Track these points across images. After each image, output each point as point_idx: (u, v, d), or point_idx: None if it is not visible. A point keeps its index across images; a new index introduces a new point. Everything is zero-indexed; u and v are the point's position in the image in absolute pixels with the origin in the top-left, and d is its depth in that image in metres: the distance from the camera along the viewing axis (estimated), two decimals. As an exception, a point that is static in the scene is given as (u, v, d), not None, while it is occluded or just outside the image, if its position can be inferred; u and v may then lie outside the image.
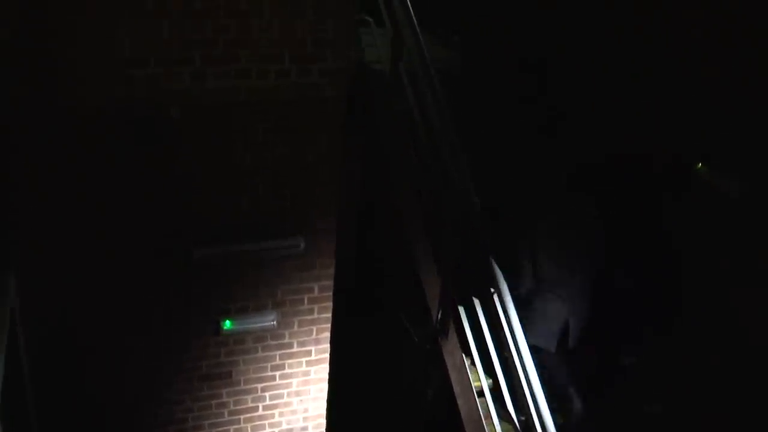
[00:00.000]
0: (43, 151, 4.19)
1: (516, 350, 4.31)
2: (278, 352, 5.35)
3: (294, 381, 5.51)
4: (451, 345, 5.06)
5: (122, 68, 4.15)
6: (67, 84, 4.09)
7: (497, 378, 4.68)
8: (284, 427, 5.68)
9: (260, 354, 5.32)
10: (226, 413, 5.44)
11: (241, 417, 5.51)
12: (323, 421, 5.81)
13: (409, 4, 5.46)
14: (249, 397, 5.45)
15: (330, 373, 5.60)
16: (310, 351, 5.43)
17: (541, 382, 4.19)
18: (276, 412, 5.60)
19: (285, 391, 5.53)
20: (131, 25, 4.08)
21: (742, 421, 4.91)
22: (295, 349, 5.38)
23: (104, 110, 4.20)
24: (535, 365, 4.23)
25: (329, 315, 5.35)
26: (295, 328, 5.29)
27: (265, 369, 5.39)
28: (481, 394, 4.84)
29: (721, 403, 5.00)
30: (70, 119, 4.15)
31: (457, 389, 5.06)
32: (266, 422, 5.61)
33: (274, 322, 5.15)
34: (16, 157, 4.16)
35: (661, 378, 5.21)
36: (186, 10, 4.13)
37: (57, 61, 4.03)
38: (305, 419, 5.71)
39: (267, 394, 5.49)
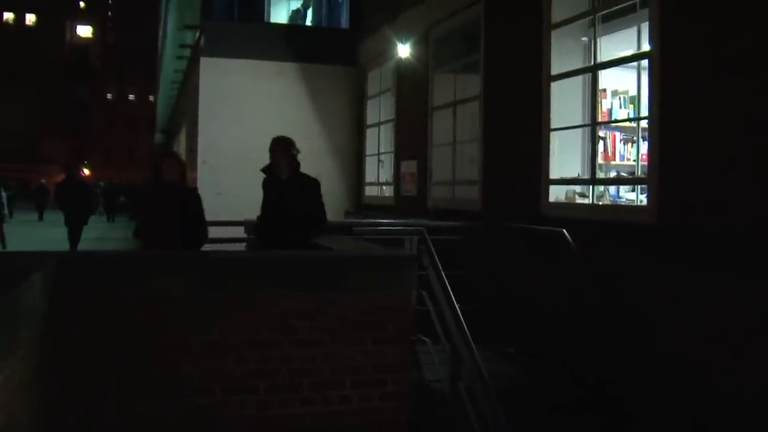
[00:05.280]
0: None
1: None
2: None
3: None
4: None
5: (188, 398, 4.30)
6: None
7: None
8: None
9: None
10: None
11: None
12: None
13: (464, 324, 5.65)
14: None
15: None
16: None
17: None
18: None
19: None
20: (196, 357, 4.30)
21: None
22: None
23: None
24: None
25: None
26: None
27: None
28: None
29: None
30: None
31: None
32: None
33: None
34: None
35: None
36: (249, 341, 4.36)
37: (122, 397, 4.21)
38: None
39: None
